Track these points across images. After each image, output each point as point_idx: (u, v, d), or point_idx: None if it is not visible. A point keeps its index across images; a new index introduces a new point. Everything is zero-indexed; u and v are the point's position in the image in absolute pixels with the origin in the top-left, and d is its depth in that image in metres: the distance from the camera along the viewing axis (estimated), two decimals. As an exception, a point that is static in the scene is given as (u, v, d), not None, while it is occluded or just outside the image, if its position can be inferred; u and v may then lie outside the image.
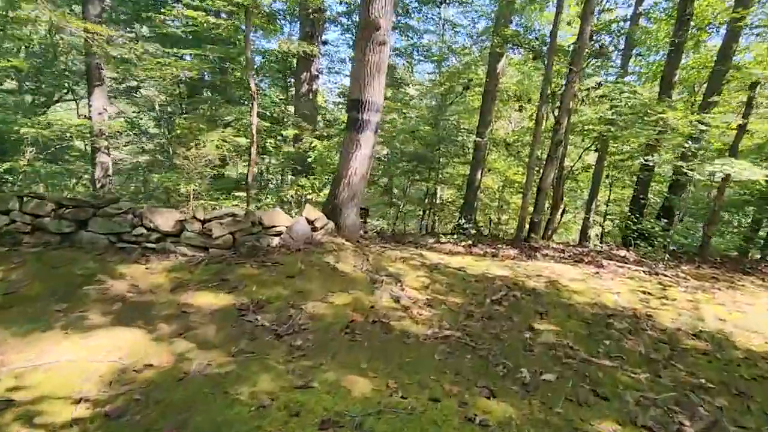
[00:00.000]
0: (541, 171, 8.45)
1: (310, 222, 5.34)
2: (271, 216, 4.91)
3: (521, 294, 4.85)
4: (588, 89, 10.26)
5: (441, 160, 14.44)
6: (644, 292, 5.55)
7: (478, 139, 13.90)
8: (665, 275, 6.57)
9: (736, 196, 13.55)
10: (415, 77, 20.42)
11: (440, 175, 15.42)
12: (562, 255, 7.75)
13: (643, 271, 6.75)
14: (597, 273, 6.33)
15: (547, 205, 8.94)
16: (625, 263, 7.25)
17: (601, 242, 11.95)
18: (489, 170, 19.41)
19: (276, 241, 4.96)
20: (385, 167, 14.79)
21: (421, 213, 15.24)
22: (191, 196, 6.75)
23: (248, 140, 7.92)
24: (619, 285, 5.76)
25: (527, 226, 8.62)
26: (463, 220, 13.06)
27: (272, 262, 4.52)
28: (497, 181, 20.83)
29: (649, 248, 8.02)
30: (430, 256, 6.22)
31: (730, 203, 11.72)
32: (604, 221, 11.39)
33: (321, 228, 5.44)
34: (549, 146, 8.30)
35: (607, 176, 11.55)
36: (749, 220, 11.86)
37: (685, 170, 7.75)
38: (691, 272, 7.09)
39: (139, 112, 13.95)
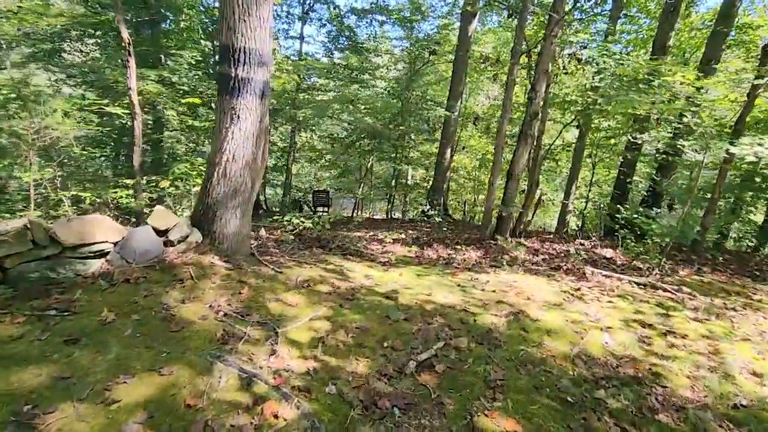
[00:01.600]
0: (513, 152, 6.70)
1: (160, 232, 3.53)
2: (82, 227, 3.07)
3: (468, 342, 3.16)
4: (571, 55, 8.45)
5: (408, 137, 12.58)
6: (643, 324, 3.93)
7: (446, 112, 12.04)
8: (664, 289, 4.99)
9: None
10: (387, 46, 18.25)
11: (406, 154, 13.58)
12: (535, 258, 6.11)
13: (636, 283, 5.16)
14: (578, 290, 4.70)
15: (518, 196, 7.23)
16: (613, 271, 5.65)
17: (581, 230, 10.40)
18: (464, 148, 17.65)
19: (97, 265, 3.16)
20: (339, 145, 12.90)
21: (388, 197, 13.42)
22: (32, 190, 4.83)
23: (128, 111, 5.93)
24: (609, 311, 4.13)
25: (494, 221, 6.93)
26: (428, 206, 11.35)
27: (63, 309, 2.74)
28: (473, 159, 19.14)
29: (637, 244, 6.44)
30: (355, 273, 4.49)
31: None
32: (585, 207, 9.85)
33: (179, 241, 3.64)
34: (522, 120, 6.54)
35: (590, 155, 9.90)
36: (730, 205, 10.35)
37: (687, 149, 6.11)
38: (693, 281, 5.54)
39: None
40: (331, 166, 13.99)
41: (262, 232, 5.71)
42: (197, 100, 7.07)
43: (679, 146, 6.47)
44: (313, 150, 13.71)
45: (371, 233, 7.84)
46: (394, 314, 3.44)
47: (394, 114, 11.78)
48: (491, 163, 16.11)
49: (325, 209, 15.22)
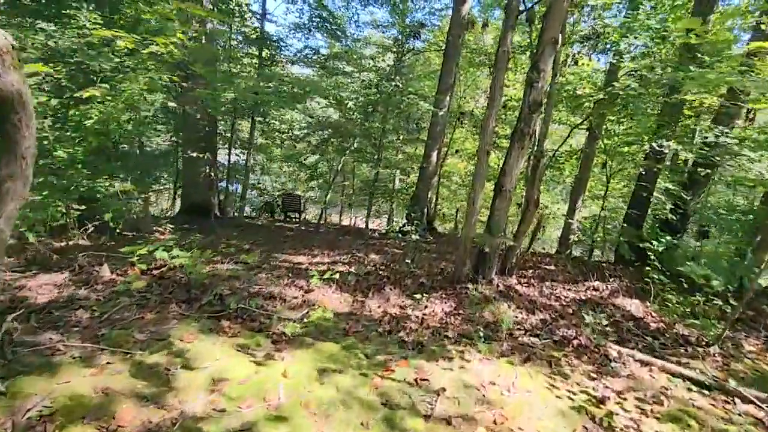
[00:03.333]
0: (504, 158, 4.63)
1: None
2: None
3: None
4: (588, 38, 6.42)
5: (386, 136, 10.50)
6: None
7: (431, 108, 9.96)
8: (744, 398, 2.91)
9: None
10: (373, 34, 16.15)
11: (386, 156, 11.51)
12: (529, 319, 4.03)
13: (694, 382, 3.08)
14: (602, 404, 2.64)
15: (507, 224, 5.14)
16: (651, 350, 3.58)
17: (589, 258, 8.31)
18: (456, 151, 15.55)
19: None
20: (305, 145, 10.85)
21: (368, 199, 11.31)
22: None
23: None
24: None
25: (473, 261, 4.85)
26: (405, 221, 9.29)
27: None
28: (467, 163, 17.04)
29: (678, 300, 4.37)
30: (198, 374, 2.43)
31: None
32: (595, 229, 7.78)
33: None
34: (519, 115, 4.45)
35: (604, 165, 7.80)
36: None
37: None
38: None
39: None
40: (301, 167, 11.94)
41: (105, 270, 3.70)
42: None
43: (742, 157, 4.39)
44: (273, 145, 11.65)
45: (309, 259, 5.78)
46: None
47: (366, 108, 9.69)
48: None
49: (296, 215, 13.21)
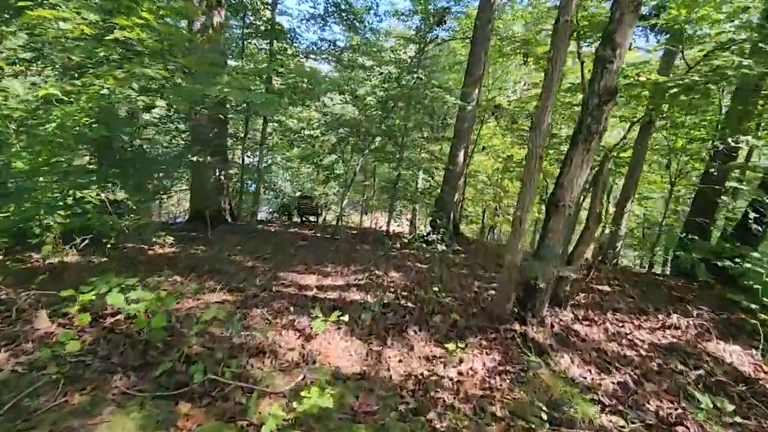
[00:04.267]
0: (562, 165, 3.55)
1: None
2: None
3: None
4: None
5: (408, 133, 9.45)
6: None
7: (459, 102, 8.85)
8: None
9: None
10: (395, 28, 15.06)
11: (407, 155, 10.46)
12: (600, 380, 2.97)
13: None
14: None
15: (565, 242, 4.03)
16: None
17: (648, 271, 7.07)
18: (483, 148, 14.34)
19: None
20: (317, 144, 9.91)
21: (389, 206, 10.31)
22: None
23: None
24: None
25: (519, 292, 3.81)
26: (429, 229, 8.26)
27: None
28: (495, 161, 15.78)
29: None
30: None
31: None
32: (657, 240, 6.54)
33: None
34: (582, 107, 3.36)
35: (668, 166, 6.52)
36: None
37: None
38: None
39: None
40: (317, 168, 11.07)
41: (42, 319, 2.85)
42: None
43: None
44: (287, 145, 10.80)
45: (319, 279, 4.85)
46: None
47: (386, 104, 8.67)
48: (518, 165, 12.77)
49: (314, 218, 12.36)
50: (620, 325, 4.06)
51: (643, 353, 3.40)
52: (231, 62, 10.32)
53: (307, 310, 3.84)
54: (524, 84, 15.09)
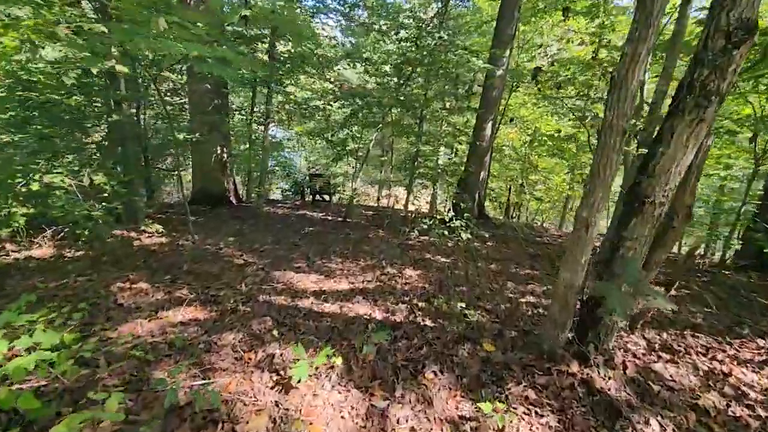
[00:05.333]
0: (654, 140, 2.41)
1: None
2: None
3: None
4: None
5: (426, 103, 8.23)
6: None
7: (487, 65, 7.53)
8: None
9: None
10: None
11: (427, 129, 9.26)
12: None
13: None
14: None
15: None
16: None
17: (720, 264, 5.86)
18: (511, 119, 12.89)
19: None
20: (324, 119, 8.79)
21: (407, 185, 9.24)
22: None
23: None
24: None
25: (573, 317, 2.76)
26: (451, 213, 7.17)
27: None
28: (522, 134, 14.30)
29: None
30: None
31: None
32: (734, 225, 5.29)
33: None
34: (695, 55, 2.18)
35: (752, 139, 5.19)
36: None
37: None
38: None
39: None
40: (328, 144, 10.01)
41: None
42: None
43: None
44: (294, 118, 9.74)
45: (320, 282, 3.91)
46: None
47: (402, 70, 7.46)
48: (547, 138, 11.36)
49: (327, 196, 11.38)
50: (710, 356, 3.00)
51: (763, 415, 2.35)
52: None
53: (297, 334, 2.93)
54: (556, 47, 13.33)
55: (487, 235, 7.08)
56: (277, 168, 12.39)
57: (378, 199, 16.35)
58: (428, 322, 3.26)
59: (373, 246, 5.97)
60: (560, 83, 5.86)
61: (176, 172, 8.70)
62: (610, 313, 2.46)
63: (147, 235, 5.77)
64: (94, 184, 5.22)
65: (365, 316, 3.30)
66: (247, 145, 9.45)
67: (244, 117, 9.77)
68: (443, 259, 5.43)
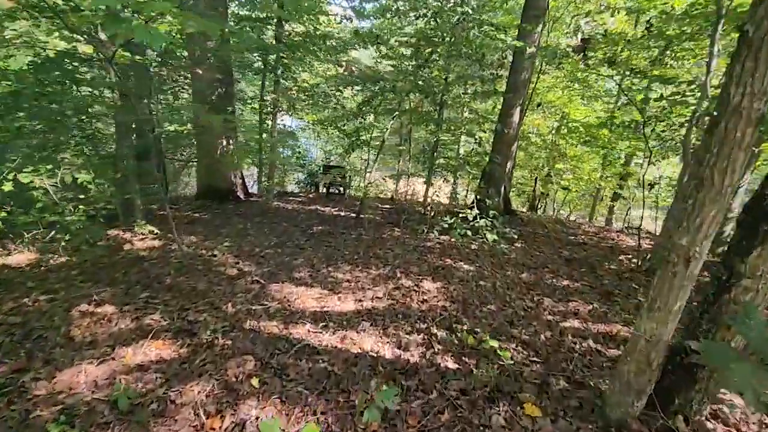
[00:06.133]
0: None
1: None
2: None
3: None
4: None
5: (448, 87, 7.36)
6: None
7: (517, 43, 6.60)
8: None
9: None
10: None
11: (449, 117, 8.40)
12: None
13: None
14: None
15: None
16: None
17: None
18: (538, 105, 11.84)
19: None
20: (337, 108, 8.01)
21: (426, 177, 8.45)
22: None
23: None
24: None
25: (658, 364, 1.96)
26: (475, 210, 6.37)
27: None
28: (550, 120, 13.21)
29: None
30: None
31: None
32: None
33: None
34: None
35: None
36: None
37: None
38: None
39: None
40: (341, 133, 9.30)
41: None
42: None
43: None
44: (305, 106, 9.02)
45: (323, 300, 3.25)
46: None
47: (418, 50, 6.62)
48: (578, 123, 10.32)
49: (341, 189, 10.69)
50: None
51: None
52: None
53: (283, 381, 2.28)
54: (588, 24, 12.05)
55: (515, 236, 6.27)
56: (292, 159, 11.76)
57: (396, 191, 15.59)
58: (450, 363, 2.55)
59: (387, 249, 5.27)
60: (614, 59, 4.89)
61: (183, 165, 8.17)
62: (738, 393, 1.69)
63: (140, 237, 5.24)
64: (78, 183, 4.70)
65: (371, 354, 2.61)
66: (256, 136, 8.83)
67: (251, 105, 9.11)
68: (466, 267, 4.68)
